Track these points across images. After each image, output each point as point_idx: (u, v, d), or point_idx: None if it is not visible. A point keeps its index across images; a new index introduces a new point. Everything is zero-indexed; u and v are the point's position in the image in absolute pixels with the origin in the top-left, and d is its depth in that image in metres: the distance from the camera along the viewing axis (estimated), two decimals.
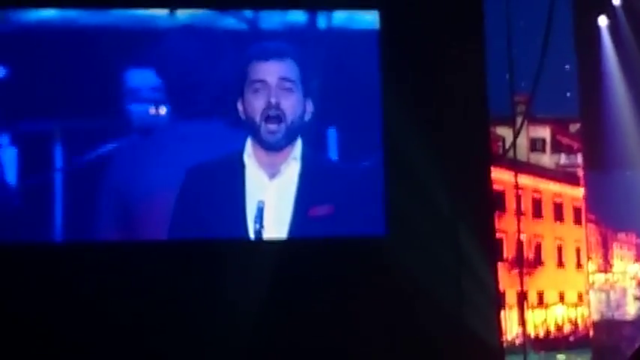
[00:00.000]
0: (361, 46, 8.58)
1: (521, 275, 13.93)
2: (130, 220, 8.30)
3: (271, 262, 8.10)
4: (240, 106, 8.25)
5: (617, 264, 13.91)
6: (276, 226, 8.24)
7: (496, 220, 9.47)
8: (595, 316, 13.02)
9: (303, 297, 8.14)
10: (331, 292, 8.16)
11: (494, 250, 8.94)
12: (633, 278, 13.53)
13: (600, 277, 13.66)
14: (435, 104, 8.43)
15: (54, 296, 7.93)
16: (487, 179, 8.75)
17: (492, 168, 9.04)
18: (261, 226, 8.16)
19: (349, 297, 8.17)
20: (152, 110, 8.38)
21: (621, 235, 13.92)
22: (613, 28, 10.66)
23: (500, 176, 13.35)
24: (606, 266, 13.83)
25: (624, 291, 13.31)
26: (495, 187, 10.36)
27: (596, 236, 13.97)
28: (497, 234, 10.03)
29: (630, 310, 13.06)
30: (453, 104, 8.42)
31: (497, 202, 11.95)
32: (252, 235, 8.19)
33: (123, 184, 8.25)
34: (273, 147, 8.24)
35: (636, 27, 10.50)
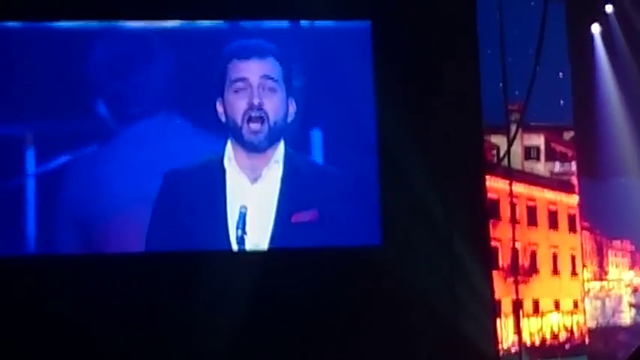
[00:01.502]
0: (352, 43, 8.40)
1: (516, 283, 13.88)
2: (104, 231, 8.03)
3: (257, 274, 7.93)
4: (219, 108, 8.01)
5: (612, 271, 13.90)
6: (258, 233, 8.02)
7: (491, 229, 9.46)
8: (591, 324, 13.03)
9: (293, 311, 8.06)
10: (324, 304, 8.12)
11: (489, 259, 8.93)
12: (628, 285, 13.53)
13: (595, 285, 13.66)
14: (428, 112, 8.43)
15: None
16: (482, 188, 8.75)
17: (487, 176, 9.05)
18: (244, 232, 7.94)
19: (343, 308, 8.14)
20: (126, 113, 8.14)
21: (616, 243, 13.92)
22: (606, 35, 10.67)
23: (495, 184, 13.31)
24: (601, 274, 13.83)
25: (619, 298, 13.31)
26: (490, 195, 10.37)
27: (591, 244, 13.98)
28: (492, 242, 10.02)
29: (626, 318, 13.06)
30: (446, 113, 8.41)
31: (491, 210, 11.92)
32: (234, 243, 7.96)
33: (97, 192, 8.01)
34: (256, 148, 8.00)
35: (629, 34, 10.51)
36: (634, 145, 10.61)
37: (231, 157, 8.03)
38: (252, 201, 8.01)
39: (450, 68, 8.43)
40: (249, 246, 8.00)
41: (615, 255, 14.09)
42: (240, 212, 7.95)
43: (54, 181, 8.04)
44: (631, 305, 13.31)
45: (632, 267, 13.60)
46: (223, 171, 8.04)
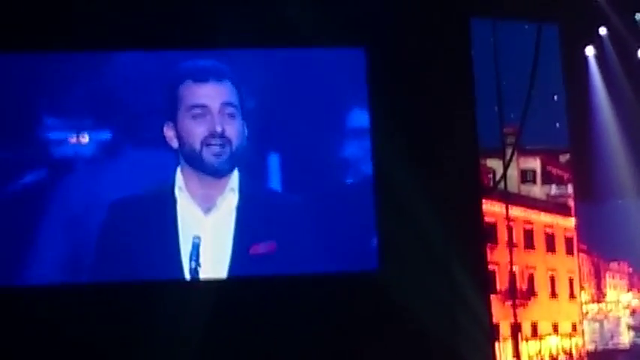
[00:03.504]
0: (346, 68, 8.23)
1: (514, 307, 13.87)
2: (48, 261, 7.66)
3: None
4: (169, 132, 7.60)
5: (610, 293, 13.88)
6: (215, 266, 7.68)
7: (488, 252, 9.45)
8: (589, 346, 13.00)
9: (291, 341, 7.98)
10: (322, 332, 8.06)
11: (486, 283, 8.92)
12: (627, 307, 13.50)
13: (594, 307, 13.64)
14: (424, 137, 8.43)
15: None
16: (478, 212, 8.75)
17: (483, 200, 9.05)
18: (198, 264, 7.59)
19: (342, 333, 8.12)
20: (70, 140, 7.76)
21: (613, 265, 13.90)
22: (600, 58, 10.69)
23: (492, 208, 13.31)
24: (599, 296, 13.81)
25: (618, 320, 13.28)
26: (487, 219, 10.37)
27: (589, 266, 13.96)
28: (489, 266, 10.00)
29: (624, 340, 13.03)
30: (442, 137, 8.42)
31: (488, 234, 11.91)
32: (187, 274, 7.63)
33: (38, 222, 7.65)
34: (217, 172, 7.61)
35: (623, 56, 10.53)
36: (630, 166, 10.62)
37: (182, 185, 7.66)
38: (207, 232, 7.67)
39: (445, 92, 8.43)
40: (203, 277, 7.69)
41: (613, 277, 14.07)
42: (194, 243, 7.62)
43: None
44: (629, 327, 13.28)
45: (630, 289, 13.58)
46: (174, 200, 7.67)
